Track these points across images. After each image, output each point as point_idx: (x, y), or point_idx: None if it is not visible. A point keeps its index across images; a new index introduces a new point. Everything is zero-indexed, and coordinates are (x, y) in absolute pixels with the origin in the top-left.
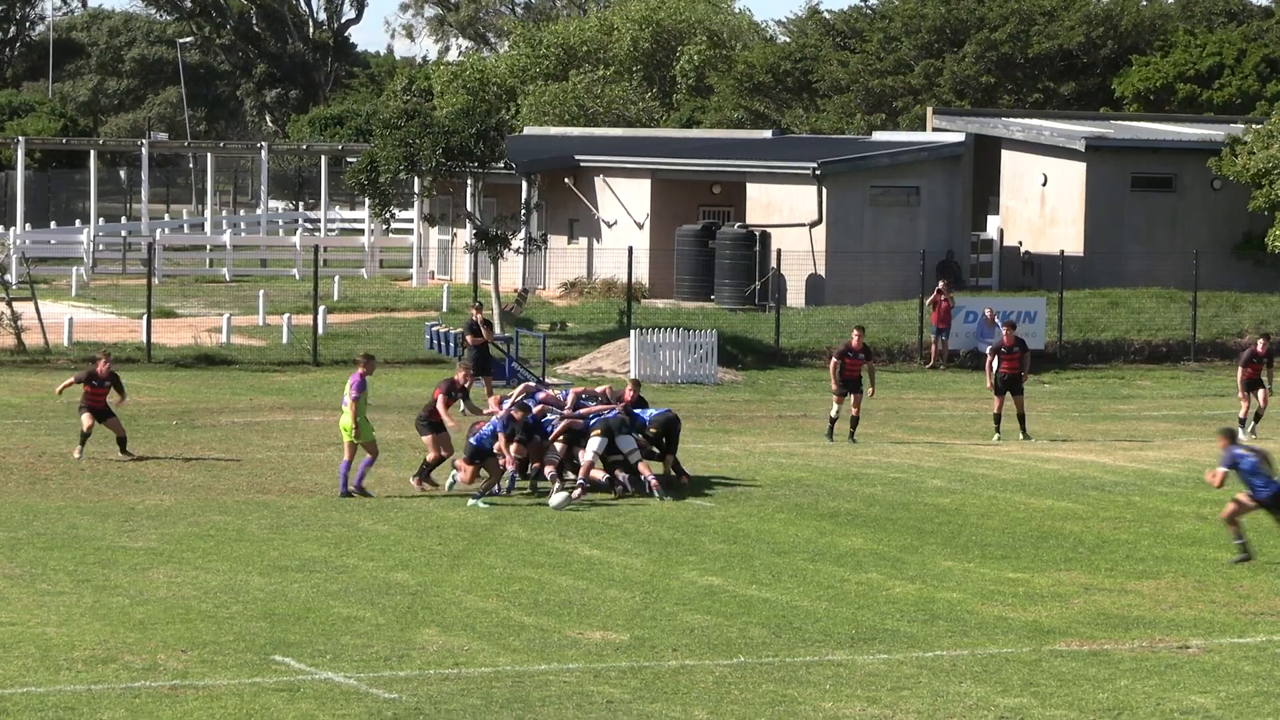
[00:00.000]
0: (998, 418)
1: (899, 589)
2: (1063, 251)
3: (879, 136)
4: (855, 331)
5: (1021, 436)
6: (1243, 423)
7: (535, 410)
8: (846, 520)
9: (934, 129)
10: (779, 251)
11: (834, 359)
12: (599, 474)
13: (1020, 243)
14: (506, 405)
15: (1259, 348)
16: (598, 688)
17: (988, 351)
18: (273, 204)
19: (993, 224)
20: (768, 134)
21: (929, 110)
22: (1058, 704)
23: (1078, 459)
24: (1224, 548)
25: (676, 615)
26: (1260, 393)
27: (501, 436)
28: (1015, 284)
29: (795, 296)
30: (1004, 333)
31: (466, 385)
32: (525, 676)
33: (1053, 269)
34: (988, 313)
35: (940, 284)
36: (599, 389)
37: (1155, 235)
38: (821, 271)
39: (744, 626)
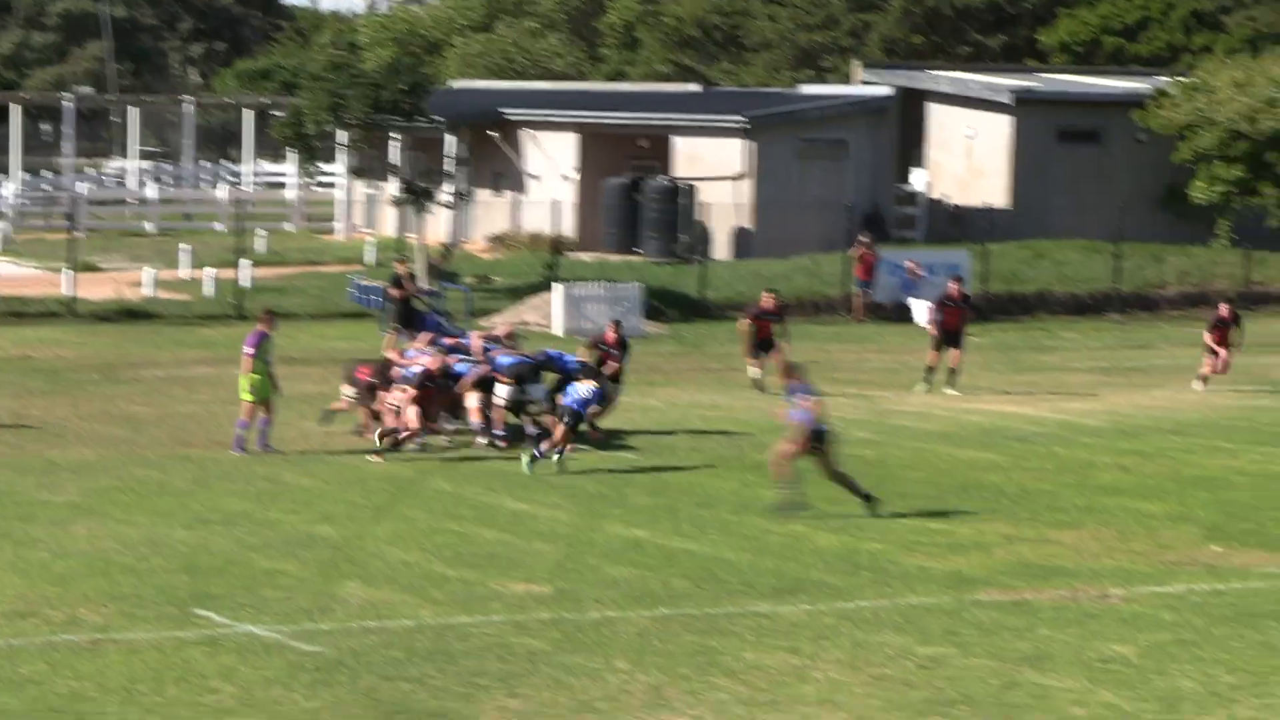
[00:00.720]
0: (931, 369)
1: (822, 540)
2: (988, 204)
3: (806, 90)
4: (766, 294)
5: (948, 390)
6: (1205, 380)
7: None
8: (770, 472)
9: (862, 82)
10: (705, 205)
11: (746, 321)
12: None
13: (946, 195)
14: (415, 357)
15: (1224, 312)
16: (520, 640)
17: (934, 304)
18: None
19: (919, 177)
20: (696, 88)
21: (857, 64)
22: (978, 653)
23: (1001, 410)
24: (1146, 497)
25: (600, 568)
26: (1222, 354)
27: (409, 390)
28: (941, 236)
29: (722, 249)
30: (950, 286)
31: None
32: (447, 629)
33: (978, 221)
34: (912, 266)
35: (863, 237)
36: (499, 331)
37: (1081, 188)
38: (749, 224)
39: (667, 578)
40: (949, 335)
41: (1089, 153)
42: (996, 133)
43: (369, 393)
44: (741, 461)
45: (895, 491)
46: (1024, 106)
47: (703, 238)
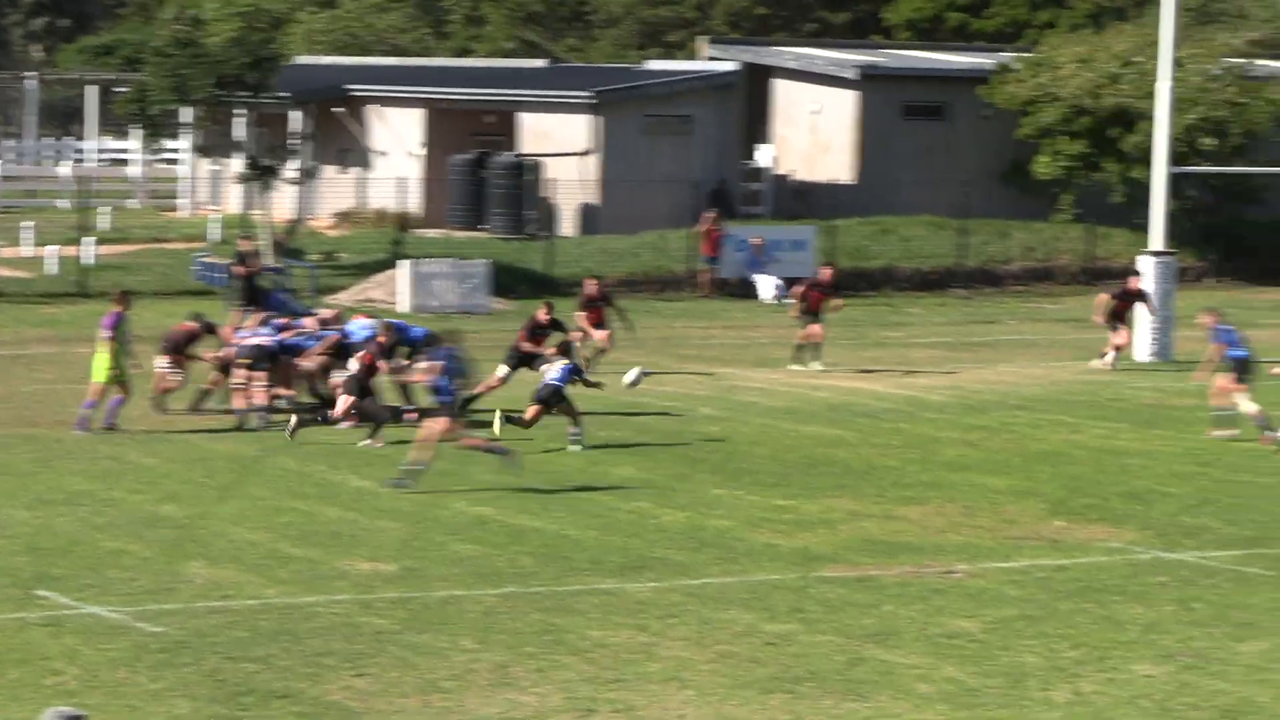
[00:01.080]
0: (802, 347)
1: (669, 517)
2: (834, 180)
3: (653, 66)
4: (589, 281)
5: (796, 365)
6: (1118, 350)
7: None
8: (617, 449)
9: (708, 59)
10: (551, 181)
11: (578, 311)
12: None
13: (793, 171)
14: (248, 336)
15: (1131, 284)
16: (366, 619)
17: (803, 286)
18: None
19: (766, 153)
20: (542, 64)
21: (702, 40)
22: (824, 629)
23: (847, 386)
24: (991, 472)
25: (446, 545)
26: (1122, 330)
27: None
28: (787, 212)
29: (570, 226)
30: (824, 271)
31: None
32: (293, 608)
33: (824, 197)
34: (758, 242)
35: (709, 213)
36: (327, 313)
37: (926, 164)
38: (596, 201)
39: (513, 556)
40: (812, 313)
41: (934, 128)
42: (842, 109)
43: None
44: (587, 438)
45: (742, 469)
46: (869, 82)
47: (549, 214)
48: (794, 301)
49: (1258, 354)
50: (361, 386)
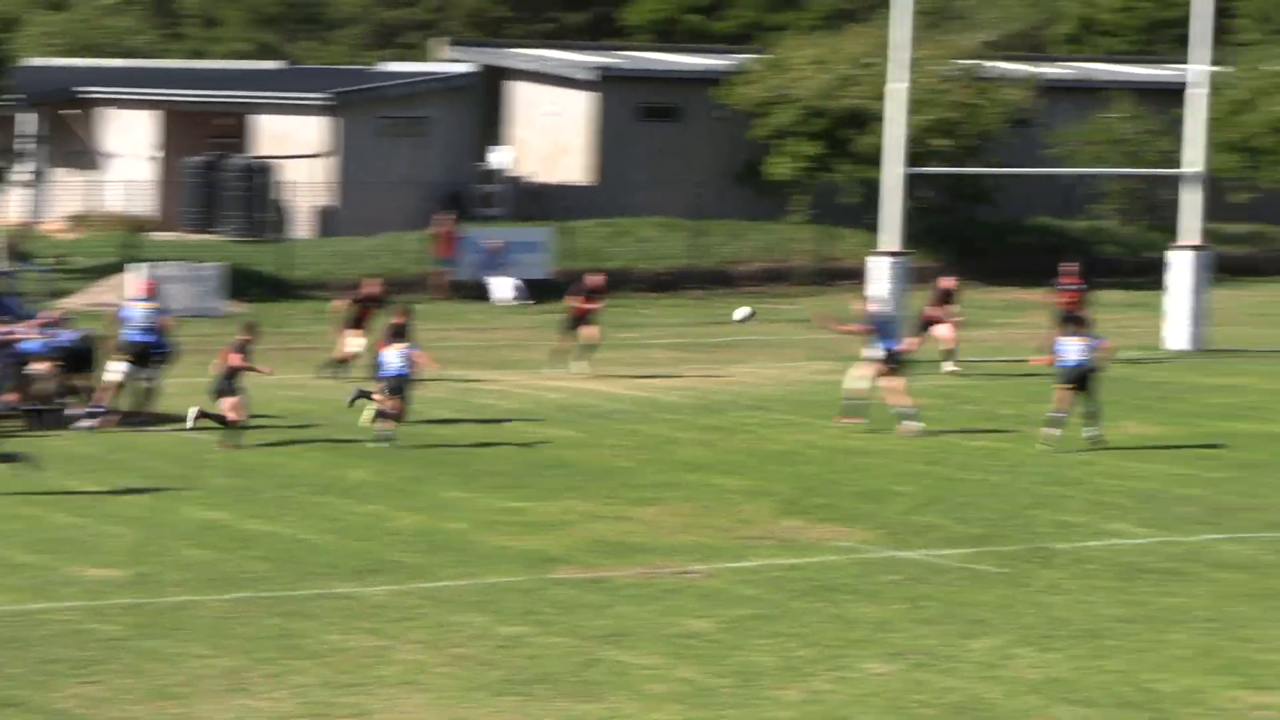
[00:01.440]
0: (564, 351)
1: (404, 520)
2: (570, 181)
3: (390, 67)
4: (367, 282)
5: (552, 365)
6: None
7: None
8: (352, 452)
9: (445, 60)
10: (284, 183)
11: (341, 302)
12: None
13: (530, 174)
14: None
15: (945, 283)
16: (97, 625)
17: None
18: None
19: (502, 154)
20: (278, 65)
21: (439, 41)
22: (558, 630)
23: (581, 387)
24: (726, 472)
25: (178, 550)
26: (945, 328)
27: None
28: (524, 214)
29: (307, 228)
30: (594, 279)
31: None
32: (22, 615)
33: (560, 199)
34: (495, 243)
35: (444, 215)
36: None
37: (662, 165)
38: (333, 203)
39: (247, 561)
40: (580, 319)
41: (670, 129)
42: (579, 110)
43: None
44: (322, 442)
45: (477, 471)
46: (606, 84)
47: (284, 216)
48: (575, 305)
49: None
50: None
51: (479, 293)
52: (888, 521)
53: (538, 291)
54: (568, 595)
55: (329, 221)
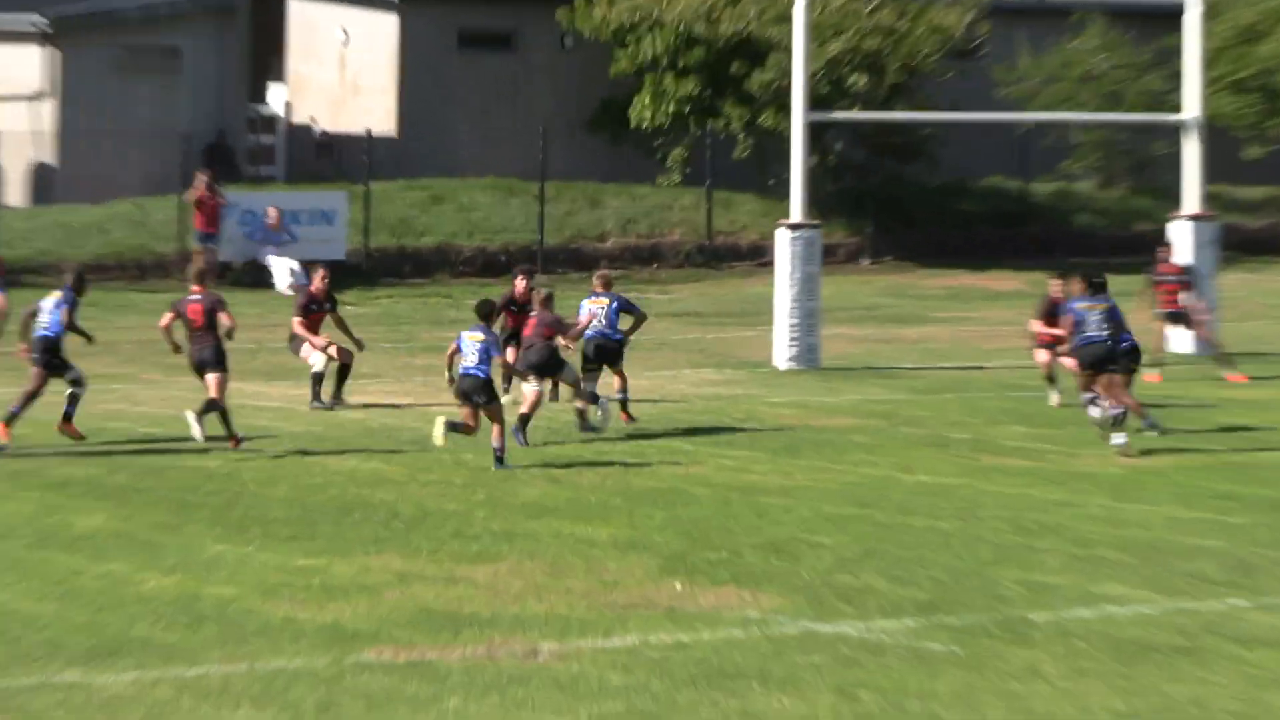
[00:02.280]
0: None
1: (153, 583)
2: (369, 131)
3: None
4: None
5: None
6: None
7: None
8: (82, 491)
9: None
10: None
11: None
12: None
13: (315, 120)
14: None
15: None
16: None
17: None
18: None
19: (278, 95)
20: None
21: None
22: None
23: (389, 404)
24: (584, 519)
25: None
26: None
27: None
28: (309, 173)
29: (17, 193)
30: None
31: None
32: None
33: (358, 154)
34: (272, 213)
35: (203, 176)
36: None
37: (491, 109)
38: (51, 160)
39: None
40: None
41: (502, 62)
42: (379, 37)
43: None
44: (41, 477)
45: (250, 516)
46: (415, 3)
47: None
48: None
49: None
50: None
51: (252, 278)
52: (805, 584)
53: (336, 277)
54: (379, 684)
55: (45, 184)
